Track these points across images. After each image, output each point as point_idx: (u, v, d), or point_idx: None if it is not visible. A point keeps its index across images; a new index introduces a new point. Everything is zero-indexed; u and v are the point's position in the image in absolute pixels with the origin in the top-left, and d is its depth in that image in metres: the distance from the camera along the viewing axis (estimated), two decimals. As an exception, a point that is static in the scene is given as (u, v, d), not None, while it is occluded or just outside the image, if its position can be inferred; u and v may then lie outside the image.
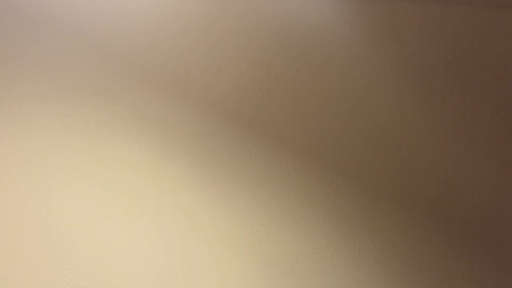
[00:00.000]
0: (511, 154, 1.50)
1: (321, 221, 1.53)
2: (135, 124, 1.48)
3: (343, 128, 1.55)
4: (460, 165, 1.52)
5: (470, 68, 1.54)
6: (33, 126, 1.44)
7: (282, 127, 1.54)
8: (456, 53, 1.54)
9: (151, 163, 1.48)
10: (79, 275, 1.42)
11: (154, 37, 1.50)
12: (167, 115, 1.50)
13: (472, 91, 1.54)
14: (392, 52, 1.53)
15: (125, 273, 1.45)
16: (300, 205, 1.54)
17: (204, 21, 1.52)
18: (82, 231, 1.43)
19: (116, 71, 1.49)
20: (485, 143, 1.52)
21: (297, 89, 1.54)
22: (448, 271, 1.48)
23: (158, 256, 1.47)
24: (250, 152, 1.54)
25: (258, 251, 1.47)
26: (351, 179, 1.55)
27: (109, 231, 1.45)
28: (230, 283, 1.45)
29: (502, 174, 1.50)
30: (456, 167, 1.52)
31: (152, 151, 1.49)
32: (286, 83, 1.53)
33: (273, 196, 1.53)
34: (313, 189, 1.55)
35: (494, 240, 1.49)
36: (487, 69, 1.53)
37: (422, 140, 1.53)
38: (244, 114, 1.53)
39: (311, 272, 1.48)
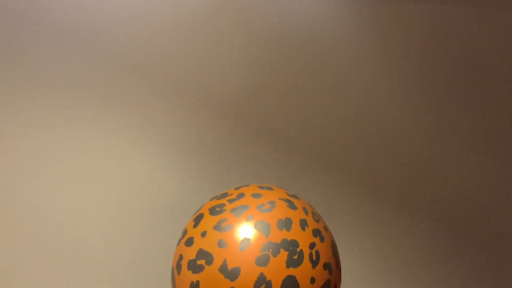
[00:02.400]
0: None
1: (321, 221, 1.52)
2: (135, 124, 1.48)
3: (343, 128, 1.55)
4: (461, 164, 1.52)
5: (472, 68, 1.54)
6: (33, 126, 1.44)
7: (282, 127, 1.54)
8: (458, 53, 1.54)
9: (151, 163, 1.48)
10: (79, 275, 1.42)
11: (153, 37, 1.51)
12: (166, 115, 1.50)
13: (474, 91, 1.54)
14: (393, 52, 1.53)
15: (126, 273, 1.45)
16: (300, 205, 1.52)
17: (204, 21, 1.53)
18: (83, 231, 1.43)
19: (116, 71, 1.49)
20: (487, 142, 1.52)
21: (297, 89, 1.54)
22: (448, 271, 1.48)
23: (159, 256, 1.47)
24: (250, 152, 1.54)
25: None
26: (351, 179, 1.54)
27: (109, 231, 1.45)
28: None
29: (503, 174, 1.50)
30: (457, 166, 1.52)
31: (152, 151, 1.49)
32: (287, 83, 1.53)
33: (273, 196, 1.52)
34: (313, 189, 1.54)
35: (494, 240, 1.49)
36: (489, 69, 1.53)
37: (423, 140, 1.53)
38: (244, 114, 1.53)
39: (311, 272, 1.46)
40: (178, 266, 0.90)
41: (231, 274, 0.82)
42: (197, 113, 1.52)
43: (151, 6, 1.50)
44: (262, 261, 0.81)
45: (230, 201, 0.92)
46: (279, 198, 0.93)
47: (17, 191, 1.41)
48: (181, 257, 0.90)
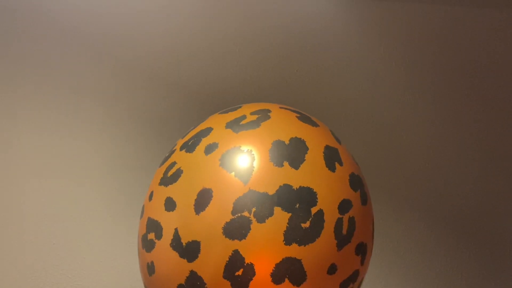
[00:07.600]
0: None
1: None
2: (134, 124, 1.49)
3: (343, 128, 1.54)
4: (461, 165, 1.54)
5: (472, 68, 1.56)
6: (33, 126, 1.48)
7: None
8: (458, 53, 1.56)
9: (151, 164, 1.45)
10: (79, 275, 1.43)
11: (152, 36, 1.53)
12: (166, 115, 1.50)
13: (474, 92, 1.55)
14: (393, 52, 1.56)
15: (126, 273, 1.42)
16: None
17: (203, 20, 1.55)
18: (83, 231, 1.45)
19: (115, 70, 1.51)
20: (488, 143, 1.55)
21: (297, 89, 1.55)
22: (448, 271, 1.54)
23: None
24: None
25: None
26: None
27: (110, 232, 1.44)
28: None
29: (504, 174, 1.54)
30: (457, 167, 1.55)
31: (152, 151, 1.48)
32: (286, 83, 1.56)
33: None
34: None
35: (494, 240, 1.55)
36: (490, 69, 1.55)
37: (423, 140, 1.55)
38: (244, 114, 1.50)
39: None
40: (138, 246, 0.64)
41: (188, 252, 0.49)
42: (196, 113, 1.51)
43: (151, 6, 1.54)
44: (236, 230, 0.44)
45: (184, 135, 0.57)
46: (281, 107, 0.51)
47: (16, 191, 1.45)
48: (138, 235, 0.64)
